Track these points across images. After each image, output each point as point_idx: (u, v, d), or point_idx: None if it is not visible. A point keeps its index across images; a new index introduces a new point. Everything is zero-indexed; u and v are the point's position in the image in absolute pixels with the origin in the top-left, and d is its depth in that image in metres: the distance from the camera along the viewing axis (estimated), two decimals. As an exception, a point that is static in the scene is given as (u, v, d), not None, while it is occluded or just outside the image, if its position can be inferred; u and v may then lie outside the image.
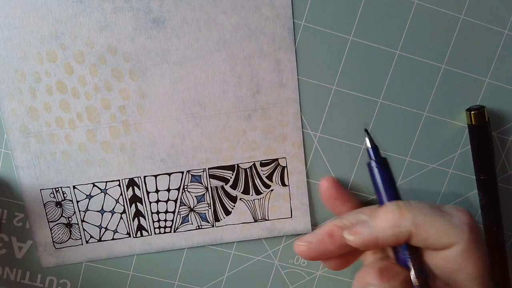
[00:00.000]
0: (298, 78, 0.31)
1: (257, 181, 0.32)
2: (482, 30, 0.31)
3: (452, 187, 0.34)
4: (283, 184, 0.33)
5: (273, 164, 0.32)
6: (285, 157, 0.32)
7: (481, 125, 0.31)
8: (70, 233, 0.32)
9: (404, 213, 0.26)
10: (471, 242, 0.25)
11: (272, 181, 0.32)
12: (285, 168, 0.32)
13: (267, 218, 0.33)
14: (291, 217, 0.33)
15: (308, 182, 0.33)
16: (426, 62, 0.31)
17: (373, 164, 0.28)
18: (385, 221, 0.26)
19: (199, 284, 0.34)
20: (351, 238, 0.27)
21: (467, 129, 0.32)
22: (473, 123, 0.31)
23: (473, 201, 0.34)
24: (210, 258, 0.34)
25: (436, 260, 0.27)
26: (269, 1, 0.29)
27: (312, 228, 0.33)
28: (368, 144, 0.28)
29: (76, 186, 0.31)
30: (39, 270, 0.33)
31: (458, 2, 0.30)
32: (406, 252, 0.27)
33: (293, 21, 0.30)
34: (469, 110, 0.31)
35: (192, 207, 0.32)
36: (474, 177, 0.33)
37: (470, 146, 0.33)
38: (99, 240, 0.32)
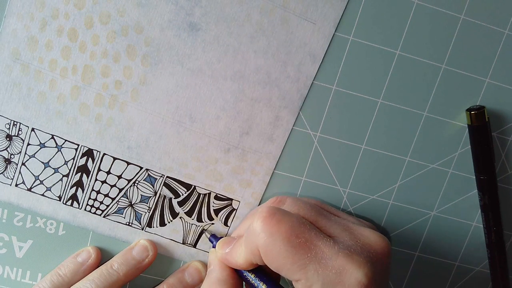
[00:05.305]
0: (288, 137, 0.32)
1: (204, 210, 0.32)
2: (482, 30, 0.31)
3: (452, 187, 0.34)
4: (225, 224, 0.33)
5: (226, 202, 0.32)
6: (239, 201, 0.33)
7: (481, 125, 0.31)
8: (5, 169, 0.31)
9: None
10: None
11: (217, 216, 0.33)
12: (235, 211, 0.33)
13: (194, 246, 0.33)
14: (216, 256, 0.33)
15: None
16: (426, 62, 0.31)
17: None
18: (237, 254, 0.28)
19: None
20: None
21: (467, 129, 0.32)
22: (473, 123, 0.31)
23: (473, 201, 0.34)
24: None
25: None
26: (297, 63, 0.30)
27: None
28: None
29: (35, 129, 0.30)
30: (39, 270, 0.32)
31: (458, 2, 0.30)
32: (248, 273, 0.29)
33: (309, 87, 0.31)
34: (469, 110, 0.31)
35: (132, 203, 0.32)
36: (474, 177, 0.33)
37: (470, 146, 0.32)
38: (28, 190, 0.31)
